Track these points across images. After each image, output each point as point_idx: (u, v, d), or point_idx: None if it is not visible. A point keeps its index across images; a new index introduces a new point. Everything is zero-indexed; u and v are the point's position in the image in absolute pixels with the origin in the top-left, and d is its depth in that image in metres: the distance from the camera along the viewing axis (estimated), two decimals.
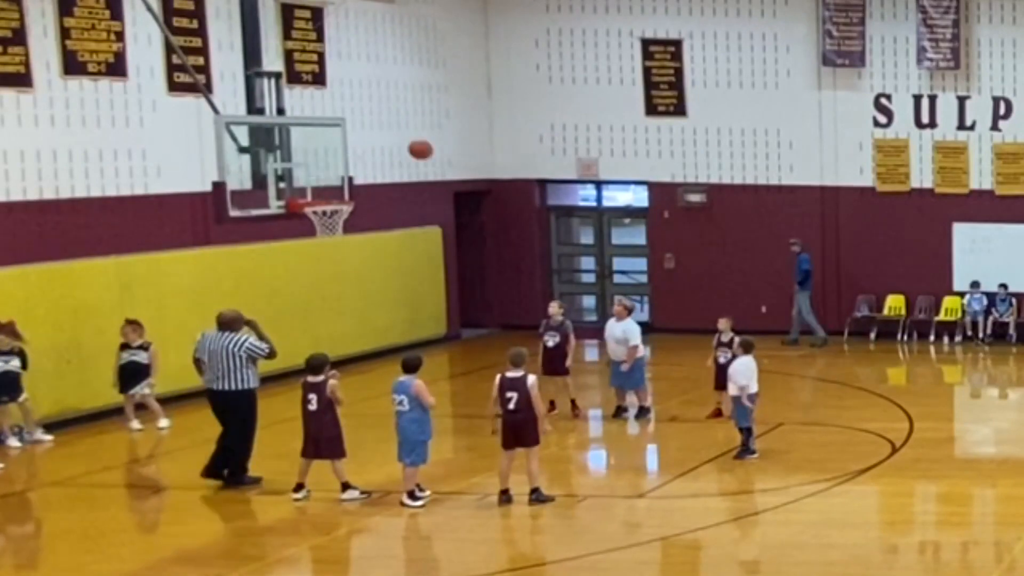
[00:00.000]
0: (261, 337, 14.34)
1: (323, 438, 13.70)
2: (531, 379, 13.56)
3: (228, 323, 14.31)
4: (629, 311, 17.63)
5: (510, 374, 13.55)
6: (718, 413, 17.25)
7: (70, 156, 17.50)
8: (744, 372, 15.44)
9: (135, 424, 16.92)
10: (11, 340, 15.85)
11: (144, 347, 16.90)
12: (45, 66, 17.08)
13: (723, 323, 17.17)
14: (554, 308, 17.88)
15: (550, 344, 17.56)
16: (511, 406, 13.45)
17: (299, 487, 13.78)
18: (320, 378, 13.75)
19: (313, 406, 13.69)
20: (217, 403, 14.34)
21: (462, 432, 17.35)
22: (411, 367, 13.67)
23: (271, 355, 14.39)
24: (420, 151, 17.49)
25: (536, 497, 13.61)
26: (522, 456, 13.60)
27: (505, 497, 13.59)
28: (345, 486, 13.75)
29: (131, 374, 16.82)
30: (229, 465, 14.26)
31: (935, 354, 23.57)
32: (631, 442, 17.36)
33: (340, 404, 13.82)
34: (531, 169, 25.21)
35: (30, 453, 16.04)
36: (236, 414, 14.25)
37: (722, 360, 16.81)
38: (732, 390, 15.53)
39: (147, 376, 16.94)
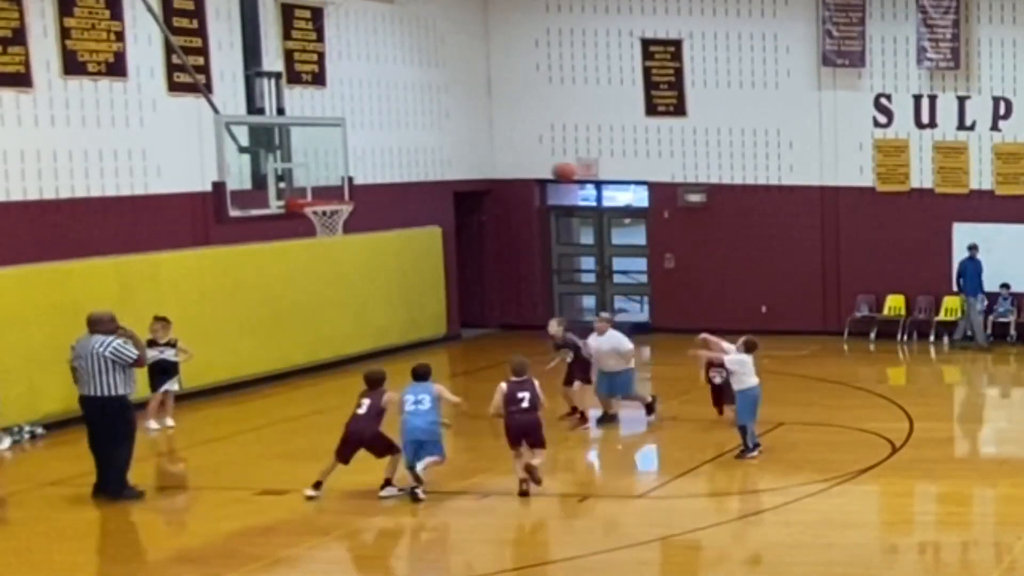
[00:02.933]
0: (136, 345, 13.97)
1: (377, 436, 13.80)
2: (535, 381, 14.10)
3: (96, 323, 13.85)
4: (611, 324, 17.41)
5: (515, 379, 13.97)
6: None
7: (70, 156, 17.50)
8: (731, 365, 15.52)
9: (152, 424, 16.83)
10: None
11: (172, 344, 16.91)
12: (45, 66, 17.08)
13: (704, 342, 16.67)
14: (554, 327, 17.53)
15: (569, 360, 17.37)
16: (524, 405, 13.80)
17: (318, 485, 13.81)
18: (379, 390, 13.89)
19: (363, 410, 13.76)
20: (85, 409, 13.95)
21: (462, 432, 17.29)
22: (425, 374, 14.02)
23: (138, 364, 13.98)
24: (565, 172, 17.25)
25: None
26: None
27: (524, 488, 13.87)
28: (387, 482, 13.83)
29: (160, 371, 16.78)
30: (105, 476, 13.78)
31: (935, 354, 23.56)
32: (631, 442, 17.36)
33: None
34: (531, 169, 25.20)
35: (29, 453, 16.06)
36: (106, 421, 13.78)
37: (717, 380, 16.56)
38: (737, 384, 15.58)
39: (176, 373, 16.96)
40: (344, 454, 13.74)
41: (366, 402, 13.77)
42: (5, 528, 13.38)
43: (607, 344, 17.09)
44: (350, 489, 14.05)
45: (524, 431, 13.86)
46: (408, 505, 13.63)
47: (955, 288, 23.66)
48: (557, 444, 16.20)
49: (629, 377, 17.32)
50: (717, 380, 16.47)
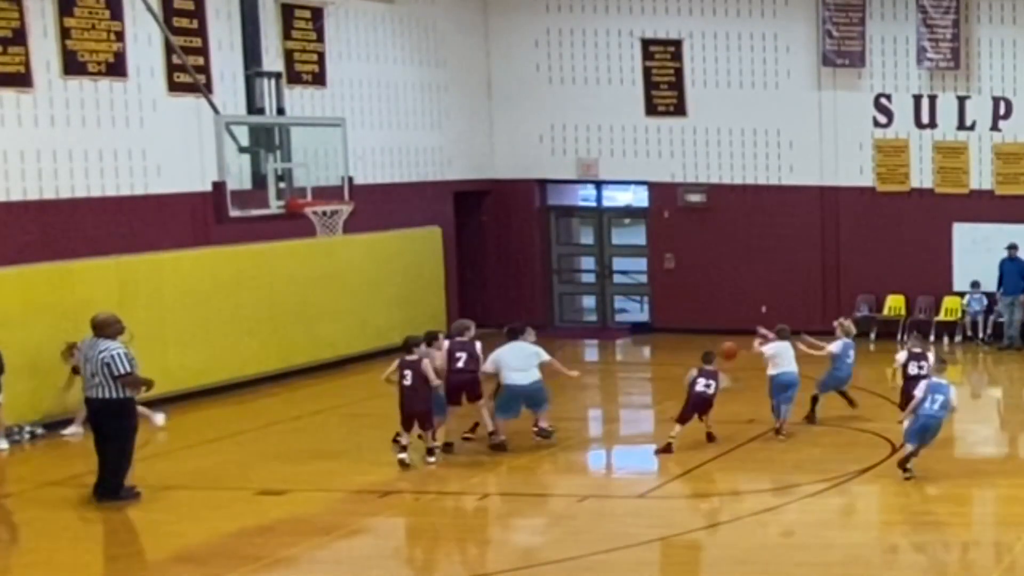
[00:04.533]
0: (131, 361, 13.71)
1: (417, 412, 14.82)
2: (477, 344, 15.66)
3: (100, 327, 13.74)
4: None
5: (458, 338, 15.60)
6: (668, 449, 15.73)
7: (70, 156, 17.50)
8: (784, 354, 16.39)
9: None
10: None
11: None
12: (45, 66, 17.08)
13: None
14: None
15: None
16: (460, 364, 15.31)
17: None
18: (414, 356, 14.80)
19: (408, 381, 14.73)
20: (89, 411, 13.94)
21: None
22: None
23: (127, 379, 13.61)
24: (730, 353, 16.68)
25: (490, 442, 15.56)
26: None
27: (448, 449, 15.45)
28: (430, 451, 14.96)
29: None
30: (105, 476, 13.70)
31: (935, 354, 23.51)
32: (632, 441, 17.35)
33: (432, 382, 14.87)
34: (531, 169, 25.20)
35: (29, 453, 16.06)
36: (105, 424, 13.69)
37: (707, 390, 15.78)
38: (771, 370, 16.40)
39: None
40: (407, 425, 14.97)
41: (408, 373, 14.75)
42: (5, 528, 13.38)
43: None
44: (350, 489, 14.07)
45: (462, 388, 15.44)
46: (407, 505, 13.66)
47: (997, 289, 23.58)
48: (557, 445, 16.25)
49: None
50: (708, 390, 15.74)
